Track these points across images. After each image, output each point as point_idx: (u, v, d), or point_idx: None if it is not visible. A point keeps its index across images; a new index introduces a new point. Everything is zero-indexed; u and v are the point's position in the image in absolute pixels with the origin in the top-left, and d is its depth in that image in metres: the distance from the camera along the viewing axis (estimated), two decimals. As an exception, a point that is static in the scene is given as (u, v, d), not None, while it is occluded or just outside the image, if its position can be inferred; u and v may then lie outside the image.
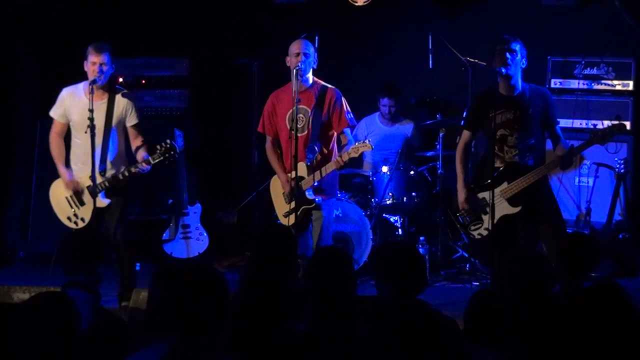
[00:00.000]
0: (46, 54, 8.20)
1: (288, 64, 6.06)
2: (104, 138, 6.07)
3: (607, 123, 5.50)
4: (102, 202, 6.10)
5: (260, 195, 6.88)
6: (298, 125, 5.90)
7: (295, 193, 5.96)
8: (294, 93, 5.85)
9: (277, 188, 6.28)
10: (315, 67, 6.11)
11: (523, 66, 5.75)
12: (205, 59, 8.32)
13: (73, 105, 6.17)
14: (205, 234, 7.62)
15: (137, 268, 6.83)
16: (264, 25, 8.20)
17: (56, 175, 6.32)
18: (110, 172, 6.11)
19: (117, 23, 8.21)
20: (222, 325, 3.00)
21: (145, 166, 6.07)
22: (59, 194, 6.29)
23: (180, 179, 7.57)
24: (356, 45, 8.26)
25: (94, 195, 5.94)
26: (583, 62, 7.60)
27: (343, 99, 6.14)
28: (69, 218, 6.25)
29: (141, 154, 6.16)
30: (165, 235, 7.59)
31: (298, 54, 5.99)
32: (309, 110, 6.05)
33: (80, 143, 6.13)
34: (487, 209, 5.69)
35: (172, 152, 6.06)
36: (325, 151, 6.17)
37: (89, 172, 5.96)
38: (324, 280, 3.59)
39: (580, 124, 7.48)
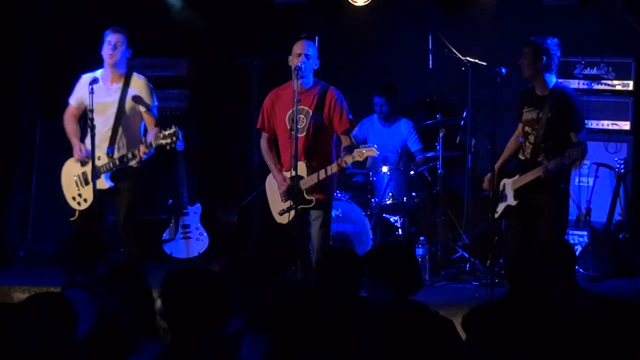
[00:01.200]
0: (46, 54, 8.20)
1: (290, 64, 6.06)
2: (115, 121, 6.15)
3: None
4: (104, 183, 6.15)
5: (260, 195, 6.87)
6: (298, 126, 5.89)
7: (293, 192, 5.95)
8: (294, 93, 5.84)
9: (273, 186, 6.27)
10: (316, 67, 6.11)
11: (543, 63, 5.82)
12: (205, 59, 8.32)
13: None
14: (205, 234, 7.62)
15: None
16: (264, 25, 8.20)
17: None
18: (118, 155, 6.17)
19: (117, 23, 8.19)
20: (219, 325, 3.01)
21: (144, 152, 6.10)
22: (69, 174, 6.36)
23: (180, 179, 7.57)
24: (356, 45, 8.25)
25: (94, 176, 5.96)
26: (583, 62, 7.59)
27: (344, 100, 6.14)
28: (73, 198, 6.32)
29: (146, 138, 6.22)
30: (165, 235, 7.60)
31: (299, 54, 5.99)
32: (310, 111, 6.04)
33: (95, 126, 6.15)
34: (503, 194, 5.97)
35: (174, 139, 6.07)
36: (325, 152, 6.16)
37: (100, 154, 6.07)
38: (332, 280, 3.59)
39: (581, 123, 7.47)
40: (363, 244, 7.12)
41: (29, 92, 8.17)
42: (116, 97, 6.18)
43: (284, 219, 6.04)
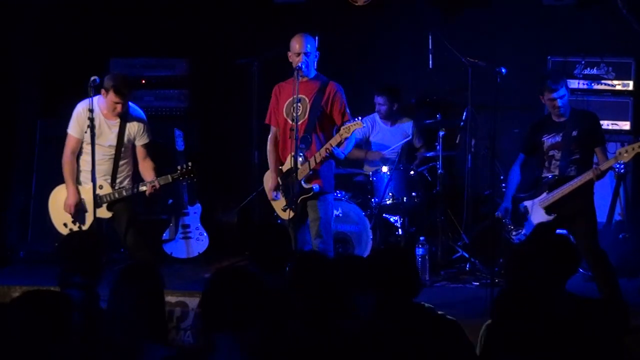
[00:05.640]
0: (46, 54, 8.20)
1: (290, 60, 6.10)
2: (115, 154, 6.09)
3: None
4: (106, 212, 6.09)
5: (260, 195, 6.88)
6: (295, 114, 5.94)
7: (292, 185, 5.99)
8: (295, 90, 5.88)
9: (269, 183, 6.32)
10: (317, 59, 6.14)
11: (569, 97, 6.00)
12: (205, 59, 8.32)
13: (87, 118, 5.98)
14: (205, 234, 7.63)
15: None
16: (264, 25, 8.21)
17: (57, 178, 6.31)
18: (119, 187, 6.11)
19: (117, 23, 8.21)
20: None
21: (157, 186, 6.09)
22: (59, 200, 6.24)
23: (180, 179, 7.56)
24: (356, 45, 8.25)
25: (96, 204, 5.89)
26: (583, 62, 7.59)
27: (344, 94, 6.18)
28: (65, 224, 6.22)
29: (149, 174, 6.16)
30: (165, 235, 7.60)
31: (298, 54, 6.02)
32: (307, 100, 6.08)
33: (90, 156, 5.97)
34: (527, 216, 6.01)
35: (191, 175, 6.10)
36: (322, 141, 6.17)
37: (102, 183, 6.01)
38: (308, 285, 3.59)
39: (580, 123, 7.47)
40: (363, 244, 7.13)
41: (29, 92, 8.17)
42: (114, 130, 6.11)
43: (286, 215, 6.08)
